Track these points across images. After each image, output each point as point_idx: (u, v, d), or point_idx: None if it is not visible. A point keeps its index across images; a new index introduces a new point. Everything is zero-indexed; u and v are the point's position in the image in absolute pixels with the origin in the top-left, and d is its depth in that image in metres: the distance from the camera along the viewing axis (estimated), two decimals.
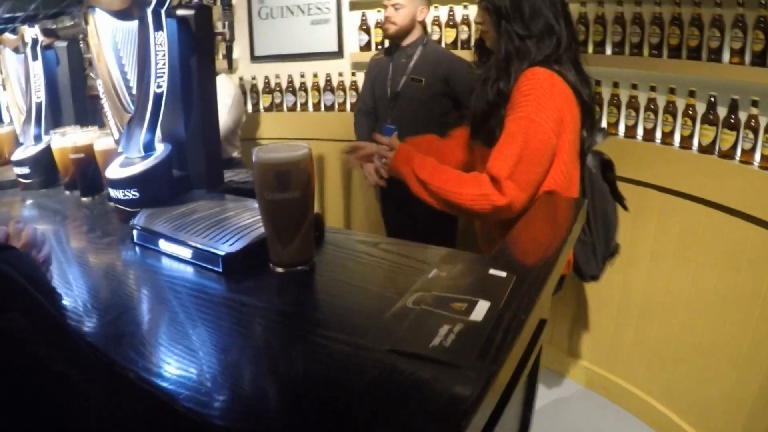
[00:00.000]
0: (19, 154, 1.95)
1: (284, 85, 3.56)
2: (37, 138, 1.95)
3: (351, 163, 1.81)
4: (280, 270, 1.05)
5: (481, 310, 0.85)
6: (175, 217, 1.27)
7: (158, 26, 1.28)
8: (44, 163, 1.89)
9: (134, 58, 1.36)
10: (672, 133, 2.33)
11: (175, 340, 0.86)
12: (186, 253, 1.15)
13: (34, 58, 1.84)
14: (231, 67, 1.51)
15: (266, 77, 3.57)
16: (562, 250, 1.11)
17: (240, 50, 3.71)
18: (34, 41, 1.82)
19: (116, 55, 1.42)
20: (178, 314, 0.96)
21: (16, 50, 1.93)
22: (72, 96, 1.97)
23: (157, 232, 1.22)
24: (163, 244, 1.21)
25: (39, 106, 1.89)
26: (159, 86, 1.32)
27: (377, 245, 1.19)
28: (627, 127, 2.45)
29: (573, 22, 1.74)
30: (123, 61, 1.42)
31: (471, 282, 0.96)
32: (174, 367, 0.79)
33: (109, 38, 1.42)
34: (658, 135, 2.37)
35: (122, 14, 1.34)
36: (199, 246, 1.12)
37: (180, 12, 1.35)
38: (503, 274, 0.97)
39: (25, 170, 1.94)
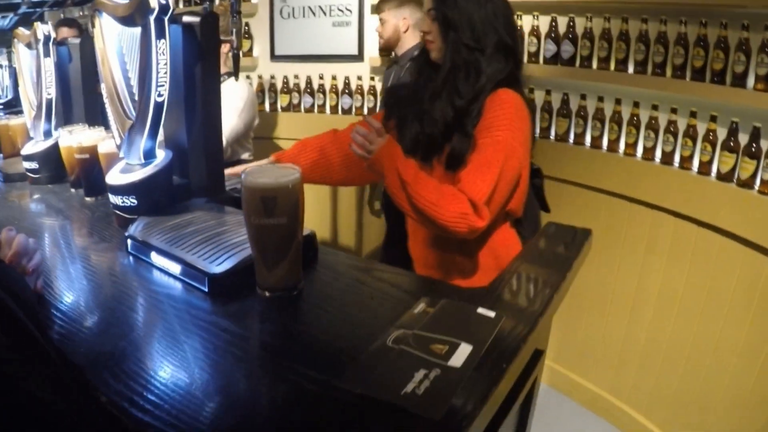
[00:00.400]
0: (28, 149, 1.95)
1: (302, 85, 3.54)
2: (47, 133, 1.95)
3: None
4: (265, 294, 1.03)
5: (461, 354, 0.83)
6: (169, 228, 1.26)
7: (161, 34, 1.26)
8: (52, 160, 1.89)
9: (137, 65, 1.34)
10: (691, 157, 2.27)
11: (150, 366, 0.85)
12: (175, 268, 1.14)
13: (46, 54, 1.84)
14: (236, 76, 1.49)
15: (285, 77, 3.56)
16: (559, 289, 1.07)
17: (260, 48, 3.71)
18: (47, 38, 1.82)
19: (120, 60, 1.41)
20: (158, 336, 0.94)
21: (28, 46, 1.93)
22: (83, 93, 1.97)
23: (150, 244, 1.21)
24: (155, 257, 1.20)
25: (49, 102, 1.89)
26: (160, 95, 1.30)
27: (370, 271, 1.17)
28: (645, 149, 2.39)
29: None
30: (127, 67, 1.41)
31: (457, 320, 0.93)
32: (145, 394, 0.77)
33: (114, 43, 1.41)
34: (677, 159, 2.31)
35: (126, 20, 1.32)
36: (187, 263, 1.10)
37: (186, 19, 1.33)
38: (491, 314, 0.94)
39: (34, 165, 1.94)
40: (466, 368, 0.79)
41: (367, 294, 1.08)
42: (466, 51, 1.58)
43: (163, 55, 1.28)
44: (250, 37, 3.70)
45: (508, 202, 1.62)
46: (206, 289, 1.06)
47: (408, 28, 2.79)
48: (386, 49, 2.94)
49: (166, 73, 1.29)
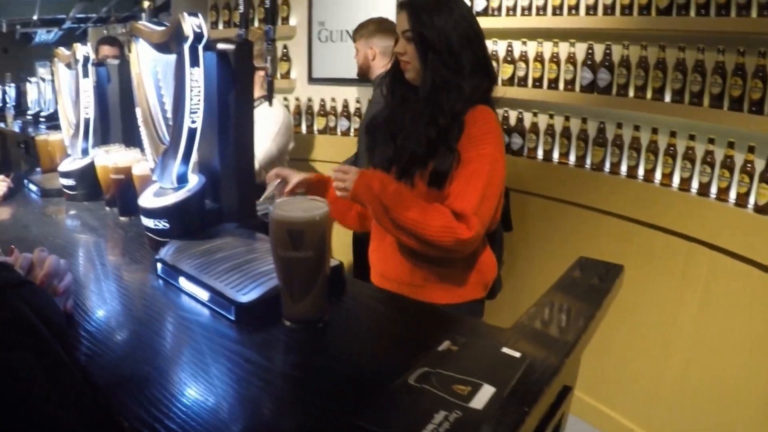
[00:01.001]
0: (66, 166, 2.00)
1: (339, 108, 3.57)
2: (84, 152, 1.99)
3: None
4: (291, 325, 1.03)
5: (483, 396, 0.81)
6: (199, 253, 1.27)
7: (195, 62, 1.28)
8: (89, 178, 1.92)
9: (172, 91, 1.36)
10: (728, 188, 2.23)
11: (173, 393, 0.85)
12: (204, 295, 1.14)
13: (85, 75, 1.88)
14: (270, 102, 1.51)
15: (322, 99, 3.59)
16: (587, 329, 1.05)
17: (298, 71, 3.75)
18: (86, 59, 1.86)
19: (156, 86, 1.44)
20: (182, 363, 0.95)
21: (68, 66, 1.97)
22: (120, 113, 2.01)
23: (180, 269, 1.22)
24: (184, 283, 1.21)
25: (87, 121, 1.93)
26: (193, 121, 1.32)
27: (396, 305, 1.17)
28: (682, 179, 2.35)
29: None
30: (162, 92, 1.43)
31: (481, 360, 0.91)
32: (165, 422, 0.78)
33: (149, 68, 1.44)
34: (714, 190, 2.27)
35: (161, 47, 1.35)
36: (215, 290, 1.11)
37: (220, 46, 1.35)
38: (517, 354, 0.92)
39: (71, 182, 1.98)
40: (488, 410, 0.78)
41: (392, 328, 1.08)
42: (445, 70, 1.62)
43: (197, 82, 1.29)
44: (288, 59, 3.76)
45: (497, 213, 1.68)
46: (233, 318, 1.06)
47: (375, 56, 2.93)
48: (360, 75, 3.07)
49: (199, 100, 1.31)
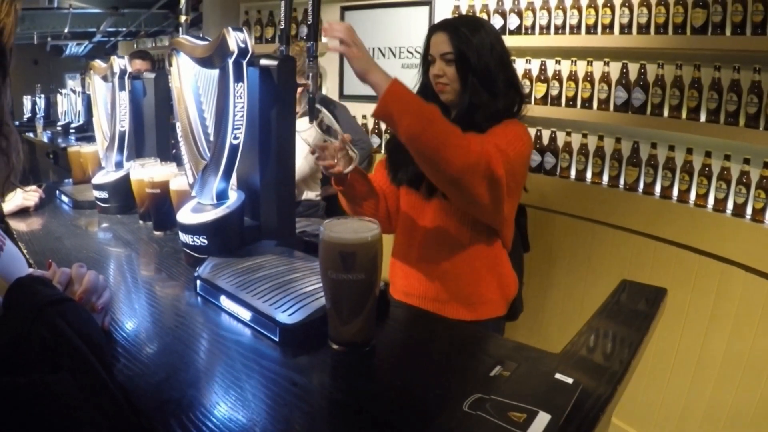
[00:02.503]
0: (99, 178, 2.00)
1: (370, 126, 3.57)
2: (119, 165, 1.99)
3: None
4: (338, 348, 1.01)
5: (540, 424, 0.79)
6: (240, 271, 1.26)
7: (239, 77, 1.28)
8: (122, 191, 1.93)
9: (214, 106, 1.36)
10: (764, 210, 2.19)
11: (216, 416, 0.84)
12: (246, 315, 1.13)
13: (121, 88, 1.89)
14: (311, 120, 1.50)
15: (353, 116, 3.58)
16: (637, 353, 1.03)
17: (330, 87, 3.76)
18: (122, 72, 1.87)
19: (197, 101, 1.43)
20: (225, 386, 0.93)
21: (104, 78, 1.98)
22: (155, 127, 2.01)
23: (220, 287, 1.21)
24: (225, 302, 1.19)
25: (122, 134, 1.94)
26: (236, 137, 1.31)
27: (441, 327, 1.14)
28: (716, 200, 2.32)
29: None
30: (203, 107, 1.43)
31: (534, 386, 0.89)
32: None
33: (190, 83, 1.43)
34: (749, 211, 2.23)
35: (204, 62, 1.34)
36: (258, 310, 1.09)
37: (263, 62, 1.35)
38: (569, 380, 0.90)
39: (104, 194, 1.99)
40: None
41: (439, 352, 1.06)
42: (483, 91, 1.65)
43: (241, 98, 1.29)
44: (320, 75, 3.77)
45: (513, 211, 1.71)
46: (277, 339, 1.05)
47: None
48: None
49: (242, 116, 1.30)
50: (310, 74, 1.47)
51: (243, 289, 1.17)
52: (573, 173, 2.76)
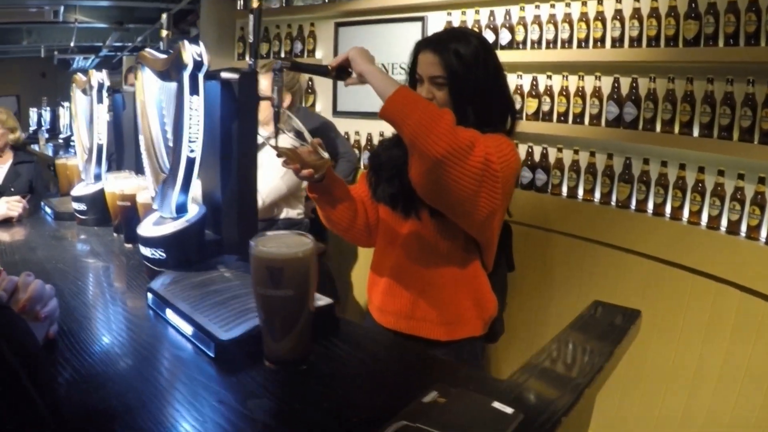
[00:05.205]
0: (78, 190, 2.00)
1: (363, 142, 3.55)
2: (97, 177, 1.99)
3: None
4: (271, 366, 0.98)
5: None
6: (191, 286, 1.23)
7: (194, 90, 1.26)
8: (99, 203, 1.93)
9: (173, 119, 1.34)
10: (759, 227, 2.12)
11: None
12: (188, 329, 1.11)
13: (99, 101, 1.88)
14: (276, 133, 1.47)
15: (346, 132, 3.56)
16: (591, 385, 0.97)
17: (323, 104, 3.75)
18: (100, 85, 1.86)
19: (159, 114, 1.42)
20: (154, 400, 0.90)
21: (84, 92, 1.98)
22: (135, 141, 2.00)
23: (168, 300, 1.19)
24: (170, 315, 1.17)
25: (100, 147, 1.94)
26: (192, 150, 1.29)
27: (390, 348, 1.11)
28: (710, 217, 2.26)
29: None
30: (165, 120, 1.41)
31: (468, 415, 0.85)
32: None
33: (154, 96, 1.42)
34: (743, 228, 2.17)
35: (163, 75, 1.33)
36: (199, 325, 1.07)
37: (224, 75, 1.33)
38: (509, 410, 0.85)
39: (82, 206, 1.99)
40: None
41: (380, 373, 1.02)
42: (473, 116, 1.53)
43: (196, 110, 1.27)
44: (313, 92, 3.78)
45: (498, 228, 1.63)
46: (212, 355, 1.02)
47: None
48: None
49: (198, 129, 1.28)
50: (276, 89, 1.44)
51: (189, 304, 1.15)
52: (564, 190, 2.71)
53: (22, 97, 8.81)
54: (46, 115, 5.83)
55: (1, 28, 6.00)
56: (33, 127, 6.31)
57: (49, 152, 4.85)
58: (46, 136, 5.28)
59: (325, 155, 1.48)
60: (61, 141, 4.89)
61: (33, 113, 6.45)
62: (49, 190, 3.82)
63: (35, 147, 5.32)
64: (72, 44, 5.19)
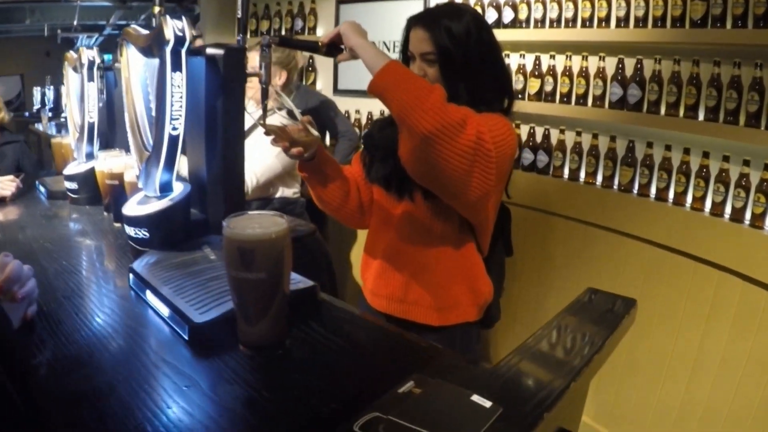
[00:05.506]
0: (71, 169, 1.98)
1: (363, 120, 3.51)
2: (89, 156, 1.96)
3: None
4: (245, 350, 0.95)
5: None
6: (173, 266, 1.21)
7: (177, 66, 1.22)
8: (91, 182, 1.90)
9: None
10: (764, 215, 2.07)
11: (104, 416, 0.80)
12: (165, 311, 1.08)
13: (90, 79, 1.85)
14: (264, 111, 1.44)
15: (347, 111, 3.52)
16: (578, 377, 0.93)
17: (323, 82, 3.71)
18: (91, 63, 1.83)
19: (144, 91, 1.39)
20: (125, 384, 0.88)
21: (74, 69, 1.95)
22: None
23: (147, 281, 1.16)
24: (150, 296, 1.15)
25: (91, 125, 1.91)
26: (174, 128, 1.26)
27: (370, 332, 1.08)
28: (714, 204, 2.21)
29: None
30: (150, 97, 1.38)
31: (444, 408, 0.81)
32: None
33: (139, 73, 1.39)
34: (748, 215, 2.12)
35: (146, 51, 1.30)
36: (175, 306, 1.04)
37: (210, 51, 1.29)
38: (487, 404, 0.81)
39: (74, 185, 1.96)
40: None
41: (358, 361, 0.99)
42: (466, 95, 1.49)
43: (178, 87, 1.23)
44: (313, 70, 3.73)
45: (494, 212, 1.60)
46: (186, 338, 0.99)
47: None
48: None
49: (181, 106, 1.25)
50: (263, 64, 1.40)
51: (168, 285, 1.12)
52: (566, 172, 2.67)
53: (27, 76, 8.80)
54: (50, 94, 5.81)
55: (4, 7, 5.98)
56: (37, 106, 6.30)
57: (53, 131, 4.83)
58: (50, 114, 5.26)
59: (315, 133, 1.45)
60: (63, 120, 4.87)
61: (37, 92, 6.44)
62: (43, 169, 3.80)
63: (38, 126, 5.30)
64: (75, 23, 5.16)
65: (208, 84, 1.31)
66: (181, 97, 1.24)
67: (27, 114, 6.71)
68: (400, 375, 0.87)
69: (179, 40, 1.21)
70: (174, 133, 1.27)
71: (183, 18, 1.24)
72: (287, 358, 0.96)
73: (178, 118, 1.26)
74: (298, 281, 1.14)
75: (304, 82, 3.69)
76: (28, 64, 8.69)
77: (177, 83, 1.23)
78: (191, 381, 0.88)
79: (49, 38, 6.19)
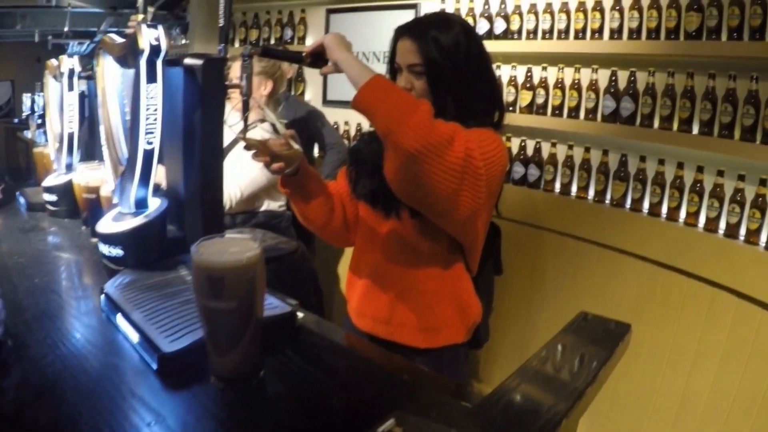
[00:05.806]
0: (50, 181, 1.92)
1: (352, 132, 3.46)
2: (69, 167, 1.91)
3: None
4: (216, 381, 0.90)
5: None
6: (145, 288, 1.15)
7: (152, 78, 1.17)
8: (70, 194, 1.84)
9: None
10: (759, 231, 2.04)
11: None
12: (134, 337, 1.02)
13: (70, 88, 1.80)
14: (245, 124, 1.39)
15: (335, 122, 3.47)
16: (568, 416, 0.88)
17: (313, 93, 3.67)
18: (71, 72, 1.78)
19: (120, 103, 1.34)
20: (86, 418, 0.83)
21: (55, 78, 1.90)
22: None
23: (118, 304, 1.11)
24: (120, 320, 1.09)
25: (71, 136, 1.86)
26: (149, 142, 1.21)
27: (349, 360, 1.02)
28: (708, 219, 2.17)
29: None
30: (126, 109, 1.33)
31: None
32: None
33: (115, 84, 1.34)
34: (743, 231, 2.09)
35: (121, 61, 1.25)
36: (144, 333, 0.99)
37: (188, 61, 1.25)
38: None
39: (53, 197, 1.91)
40: None
41: (336, 392, 0.93)
42: (454, 108, 1.43)
43: (153, 99, 1.18)
44: (302, 80, 3.70)
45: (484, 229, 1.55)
46: (155, 368, 0.94)
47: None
48: None
49: (156, 119, 1.20)
50: (244, 75, 1.35)
51: (138, 309, 1.07)
52: (557, 187, 2.62)
53: (17, 82, 8.74)
54: (39, 100, 5.74)
55: None
56: (27, 113, 6.22)
57: (42, 139, 4.76)
58: (38, 122, 5.19)
59: (297, 147, 1.40)
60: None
61: (27, 99, 6.37)
62: (30, 178, 3.73)
63: (27, 133, 5.22)
64: (66, 29, 5.10)
65: (187, 96, 1.26)
66: (156, 110, 1.20)
67: (16, 120, 6.63)
68: (381, 409, 0.81)
69: (154, 50, 1.16)
70: (149, 147, 1.22)
71: (159, 27, 1.19)
72: (261, 390, 0.90)
73: (152, 132, 1.21)
74: (275, 306, 1.08)
75: (293, 93, 3.64)
76: (18, 70, 8.63)
77: (152, 95, 1.18)
78: (158, 417, 0.83)
79: (40, 44, 6.12)
